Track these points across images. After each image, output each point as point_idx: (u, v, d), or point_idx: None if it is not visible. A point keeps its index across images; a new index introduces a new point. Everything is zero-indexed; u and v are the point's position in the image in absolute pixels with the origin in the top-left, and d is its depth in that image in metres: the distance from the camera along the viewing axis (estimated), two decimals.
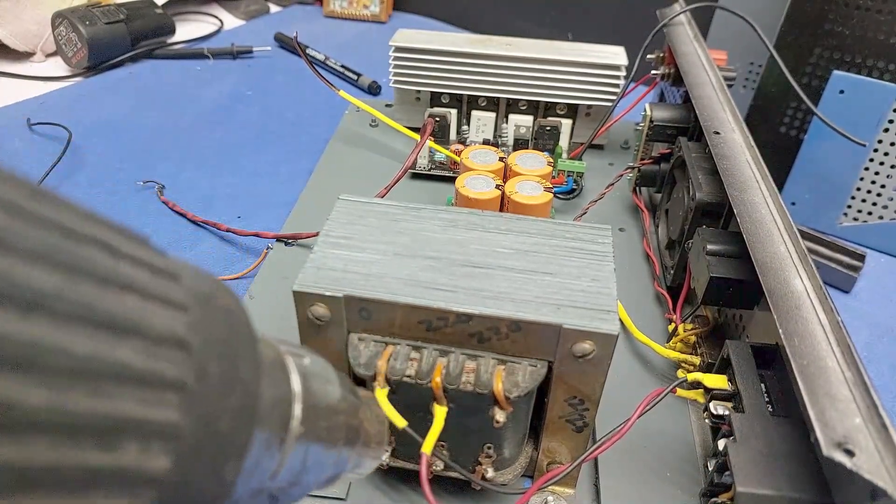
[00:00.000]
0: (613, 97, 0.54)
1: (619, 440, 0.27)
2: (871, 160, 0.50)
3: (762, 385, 0.28)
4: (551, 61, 0.53)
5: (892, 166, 0.49)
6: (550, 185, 0.42)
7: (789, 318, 0.25)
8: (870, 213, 0.52)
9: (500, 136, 0.57)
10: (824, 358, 0.24)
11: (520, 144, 0.53)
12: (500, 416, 0.25)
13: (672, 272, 0.41)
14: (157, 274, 0.12)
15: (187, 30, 0.86)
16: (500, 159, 0.44)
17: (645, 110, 0.47)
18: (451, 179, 0.53)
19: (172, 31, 0.82)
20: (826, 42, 0.52)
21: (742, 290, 0.32)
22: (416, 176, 0.54)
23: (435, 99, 0.58)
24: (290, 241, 0.46)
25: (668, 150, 0.46)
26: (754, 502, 0.24)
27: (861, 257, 0.48)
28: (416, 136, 0.54)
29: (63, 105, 0.66)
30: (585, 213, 0.46)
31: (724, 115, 0.40)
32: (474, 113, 0.56)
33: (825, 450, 0.20)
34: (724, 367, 0.31)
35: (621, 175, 0.47)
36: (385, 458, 0.29)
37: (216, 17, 0.91)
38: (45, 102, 0.67)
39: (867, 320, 0.46)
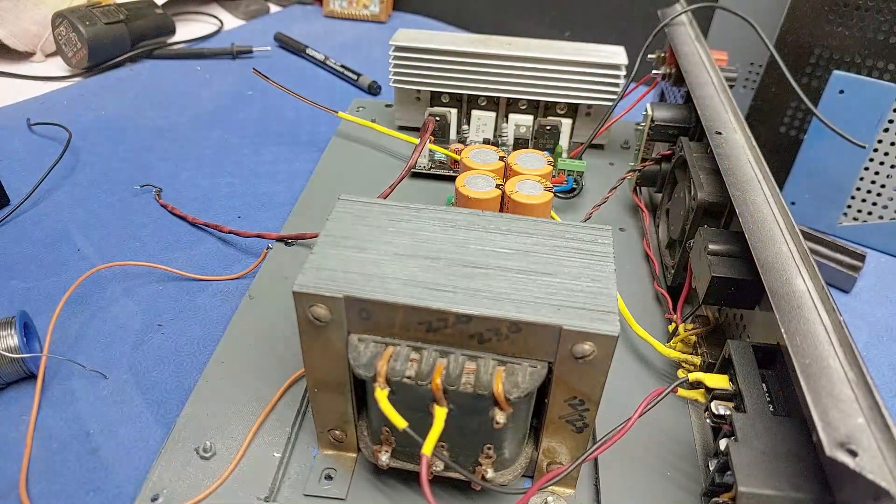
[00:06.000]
0: (614, 97, 0.54)
1: (620, 440, 0.27)
2: (871, 160, 0.50)
3: (763, 385, 0.28)
4: (551, 61, 0.53)
5: (892, 166, 0.49)
6: (550, 185, 0.42)
7: (791, 318, 0.25)
8: (870, 213, 0.52)
9: (501, 136, 0.57)
10: (826, 358, 0.24)
11: (520, 144, 0.53)
12: (500, 416, 0.25)
13: (672, 272, 0.41)
14: None
15: (187, 30, 0.86)
16: (501, 159, 0.44)
17: (646, 110, 0.47)
18: (451, 179, 0.53)
19: (172, 32, 0.82)
20: (826, 42, 0.52)
21: (744, 289, 0.32)
22: (416, 175, 0.54)
23: (435, 98, 0.57)
24: (290, 241, 0.46)
25: (670, 151, 0.46)
26: (756, 502, 0.24)
27: (861, 257, 0.48)
28: (403, 136, 0.55)
29: (63, 105, 0.66)
30: (590, 217, 0.46)
31: (725, 116, 0.40)
32: (474, 112, 0.56)
33: (828, 450, 0.20)
34: (725, 367, 0.31)
35: (624, 178, 0.46)
36: (385, 458, 0.28)
37: (216, 17, 0.91)
38: (45, 102, 0.67)
39: (867, 320, 0.45)
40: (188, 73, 0.75)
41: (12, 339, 0.35)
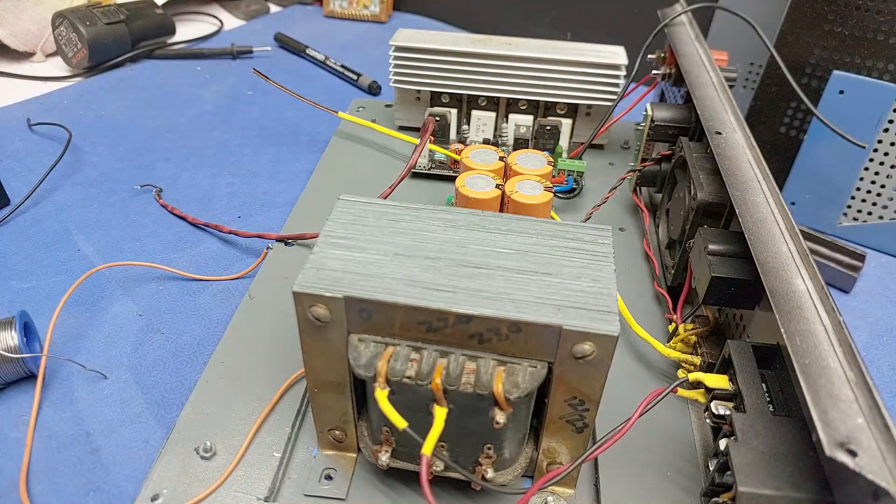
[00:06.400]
0: (613, 97, 0.54)
1: (620, 440, 0.27)
2: (871, 160, 0.50)
3: (763, 385, 0.28)
4: (551, 61, 0.53)
5: (892, 166, 0.49)
6: (550, 185, 0.42)
7: (791, 318, 0.25)
8: (870, 213, 0.52)
9: (501, 136, 0.57)
10: (826, 358, 0.24)
11: (520, 144, 0.53)
12: (500, 416, 0.25)
13: (672, 272, 0.41)
14: None
15: (187, 30, 0.86)
16: (501, 159, 0.44)
17: (646, 110, 0.47)
18: (451, 179, 0.53)
19: (173, 32, 0.82)
20: (826, 42, 0.52)
21: (744, 289, 0.32)
22: (416, 175, 0.54)
23: (435, 98, 0.57)
24: (290, 241, 0.46)
25: (670, 151, 0.46)
26: (756, 502, 0.24)
27: (861, 257, 0.48)
28: (403, 137, 0.55)
29: (63, 105, 0.66)
30: (590, 217, 0.46)
31: (725, 116, 0.40)
32: (474, 112, 0.56)
33: (828, 450, 0.20)
34: (725, 367, 0.31)
35: (624, 178, 0.46)
36: (385, 458, 0.29)
37: (216, 17, 0.91)
38: (45, 102, 0.67)
39: (867, 320, 0.45)
40: (188, 73, 0.75)
41: (12, 339, 0.35)
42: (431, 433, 0.24)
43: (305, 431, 0.33)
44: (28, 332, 0.38)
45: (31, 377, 0.36)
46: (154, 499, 0.29)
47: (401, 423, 0.24)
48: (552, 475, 0.27)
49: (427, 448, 0.23)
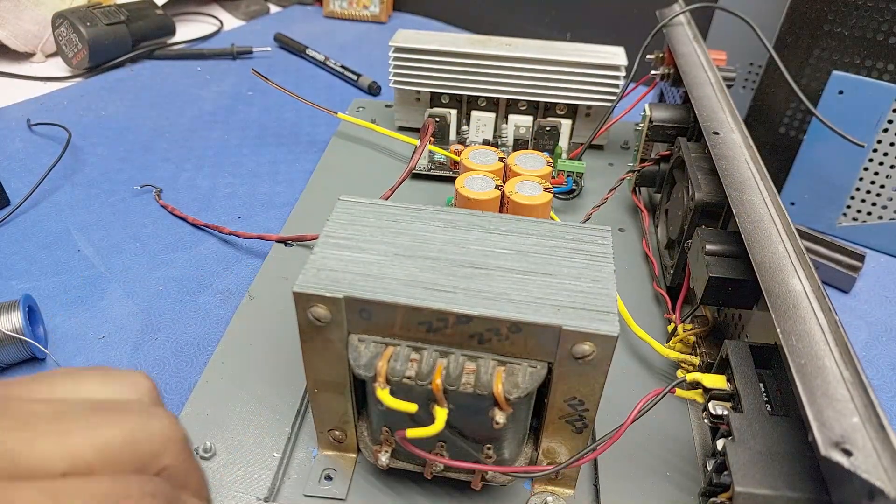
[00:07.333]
0: (613, 97, 0.54)
1: (619, 440, 0.27)
2: (871, 160, 0.50)
3: (761, 385, 0.28)
4: (551, 61, 0.54)
5: (892, 166, 0.49)
6: (550, 186, 0.42)
7: (787, 318, 0.26)
8: (869, 214, 0.52)
9: (500, 137, 0.57)
10: (822, 357, 0.24)
11: (519, 145, 0.53)
12: (500, 417, 0.25)
13: (671, 272, 0.41)
14: None
15: (187, 30, 0.86)
16: (500, 159, 0.44)
17: (644, 110, 0.47)
18: (451, 180, 0.53)
19: (173, 32, 0.82)
20: (826, 42, 0.52)
21: (741, 289, 0.32)
22: (415, 176, 0.54)
23: (435, 99, 0.58)
24: (290, 242, 0.46)
25: (668, 152, 0.46)
26: (753, 502, 0.24)
27: (860, 257, 0.48)
28: (403, 137, 0.55)
29: (63, 105, 0.67)
30: (590, 217, 0.46)
31: (723, 116, 0.40)
32: (474, 113, 0.56)
33: (823, 449, 0.20)
34: (723, 367, 0.31)
35: (623, 178, 0.47)
36: (385, 458, 0.29)
37: (216, 17, 0.91)
38: (45, 102, 0.67)
39: (866, 320, 0.46)
40: (188, 74, 0.75)
41: (17, 319, 0.36)
42: (426, 429, 0.24)
43: (305, 431, 0.33)
44: (32, 315, 0.38)
45: (33, 360, 0.37)
46: None
47: (412, 407, 0.24)
48: (542, 469, 0.27)
49: (411, 433, 0.24)
